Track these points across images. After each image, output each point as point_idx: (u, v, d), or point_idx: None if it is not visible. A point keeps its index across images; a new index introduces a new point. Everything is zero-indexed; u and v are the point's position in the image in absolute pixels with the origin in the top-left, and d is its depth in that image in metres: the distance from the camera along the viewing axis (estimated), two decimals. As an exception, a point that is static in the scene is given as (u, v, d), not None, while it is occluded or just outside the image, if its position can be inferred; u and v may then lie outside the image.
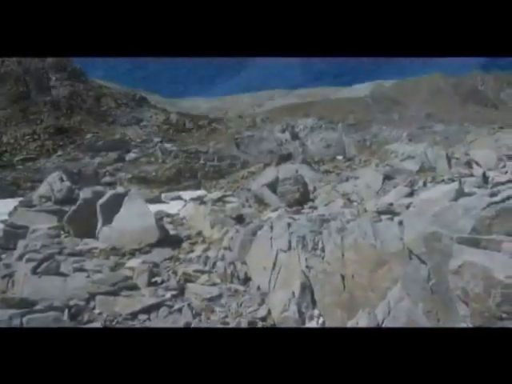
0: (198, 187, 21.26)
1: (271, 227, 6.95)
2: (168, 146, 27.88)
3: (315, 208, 11.43)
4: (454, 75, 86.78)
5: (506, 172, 9.20)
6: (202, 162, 24.43)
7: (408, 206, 6.56)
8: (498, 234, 3.26)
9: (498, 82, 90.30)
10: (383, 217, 5.56)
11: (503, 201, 3.35)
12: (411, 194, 8.99)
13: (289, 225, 6.56)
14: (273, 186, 14.78)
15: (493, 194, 3.71)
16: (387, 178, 11.96)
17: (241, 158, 26.36)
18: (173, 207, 15.67)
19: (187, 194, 18.54)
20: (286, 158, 21.29)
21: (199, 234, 10.27)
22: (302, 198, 13.03)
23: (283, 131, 31.22)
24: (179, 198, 17.91)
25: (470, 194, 4.23)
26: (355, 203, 10.97)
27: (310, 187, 14.48)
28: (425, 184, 9.69)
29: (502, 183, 7.40)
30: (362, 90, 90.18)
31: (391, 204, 8.07)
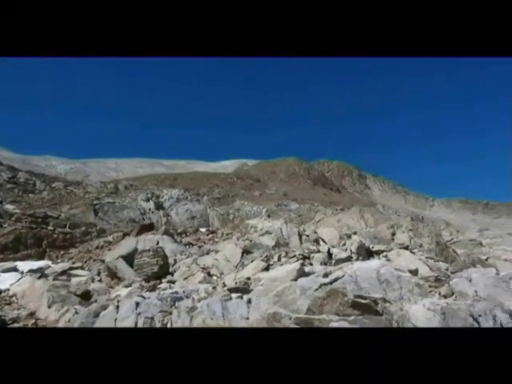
0: (41, 257, 18.51)
1: (117, 307, 6.28)
2: (10, 207, 24.18)
3: (173, 282, 10.97)
4: (305, 160, 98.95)
5: (346, 249, 10.43)
6: (50, 227, 21.66)
7: (261, 282, 6.74)
8: (328, 314, 3.48)
9: (340, 171, 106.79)
10: (234, 295, 5.54)
11: (331, 282, 3.66)
12: (267, 269, 9.38)
13: (137, 304, 6.04)
14: (130, 258, 13.81)
15: (325, 275, 4.04)
16: (246, 252, 12.36)
17: (98, 226, 24.32)
18: (4, 281, 13.21)
19: (26, 265, 15.89)
20: (148, 228, 20.53)
21: (31, 315, 8.70)
22: (161, 272, 12.42)
23: (147, 200, 30.36)
24: (14, 269, 15.22)
25: (307, 274, 4.54)
26: (215, 277, 10.94)
27: (171, 260, 13.98)
28: (279, 259, 10.25)
29: (343, 259, 8.30)
30: (227, 166, 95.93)
31: (248, 278, 8.22)
